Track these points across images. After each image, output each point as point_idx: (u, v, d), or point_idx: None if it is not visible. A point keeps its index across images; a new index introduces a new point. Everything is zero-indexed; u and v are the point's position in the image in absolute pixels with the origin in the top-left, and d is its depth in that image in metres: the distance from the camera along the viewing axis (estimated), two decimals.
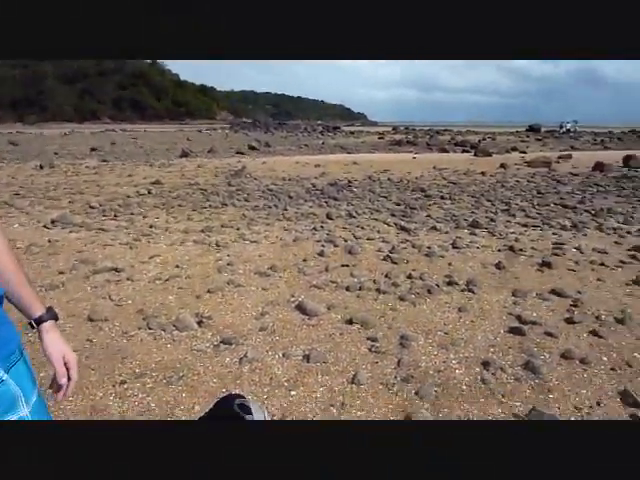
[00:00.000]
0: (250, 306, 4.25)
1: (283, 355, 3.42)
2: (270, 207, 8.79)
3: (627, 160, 15.64)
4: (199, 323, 3.89)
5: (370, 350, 3.49)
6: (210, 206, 8.86)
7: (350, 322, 3.90)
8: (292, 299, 4.39)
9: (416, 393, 2.94)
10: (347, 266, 5.31)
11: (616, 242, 6.29)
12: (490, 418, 2.70)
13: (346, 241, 6.32)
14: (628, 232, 6.84)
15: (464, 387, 3.03)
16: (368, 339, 3.64)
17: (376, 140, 34.69)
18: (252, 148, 24.65)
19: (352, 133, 49.25)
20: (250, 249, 5.98)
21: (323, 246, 6.05)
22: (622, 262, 5.41)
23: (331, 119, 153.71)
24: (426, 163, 16.52)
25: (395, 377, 3.14)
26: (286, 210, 8.50)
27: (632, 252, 5.77)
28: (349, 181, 12.37)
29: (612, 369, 3.23)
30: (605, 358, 3.36)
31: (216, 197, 9.86)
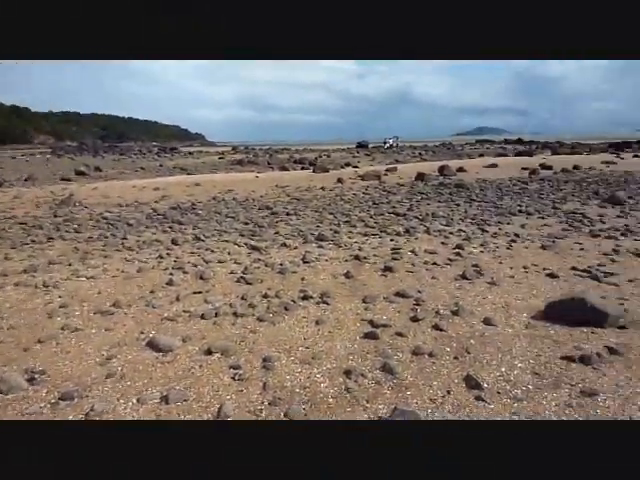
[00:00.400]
0: (92, 351, 3.78)
1: (137, 401, 3.08)
2: (107, 237, 8.05)
3: (442, 170, 17.88)
4: (30, 380, 3.32)
5: (234, 379, 3.34)
6: (33, 242, 7.78)
7: (209, 352, 3.70)
8: (142, 336, 4.02)
9: (285, 415, 2.89)
10: (200, 293, 5.07)
11: (443, 242, 7.08)
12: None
13: (196, 266, 6.05)
14: (451, 233, 7.76)
15: (331, 400, 3.06)
16: (230, 367, 3.49)
17: (217, 160, 34.34)
18: (80, 173, 22.45)
19: (191, 154, 48.07)
20: (86, 286, 5.37)
21: (171, 274, 5.71)
22: (450, 260, 6.09)
23: (167, 140, 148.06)
24: (269, 181, 16.81)
25: (262, 402, 3.05)
26: (126, 239, 7.86)
27: (456, 250, 6.55)
28: (193, 203, 11.98)
29: (455, 358, 3.57)
30: (448, 349, 3.71)
31: (39, 231, 8.71)
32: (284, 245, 7.12)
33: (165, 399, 3.07)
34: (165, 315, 4.46)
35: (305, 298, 4.80)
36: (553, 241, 7.03)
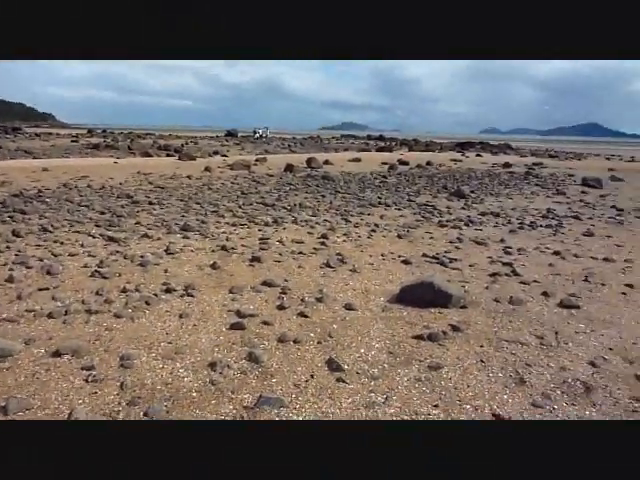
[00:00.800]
0: None
1: None
2: None
3: (309, 162, 18.36)
4: None
5: (86, 381, 3.07)
6: None
7: (58, 354, 3.36)
8: None
9: (145, 414, 2.74)
10: (47, 289, 4.57)
11: (309, 232, 7.29)
12: (223, 418, 2.72)
13: (42, 260, 5.44)
14: (317, 223, 8.02)
15: (194, 394, 2.98)
16: (82, 369, 3.20)
17: (69, 143, 31.09)
18: None
19: (38, 135, 42.80)
20: None
21: (11, 270, 5.05)
22: (315, 249, 6.30)
23: (9, 119, 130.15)
24: (130, 168, 15.72)
25: (119, 403, 2.85)
26: None
27: (321, 239, 6.79)
28: (39, 190, 10.72)
29: (319, 342, 3.70)
30: (312, 334, 3.83)
31: None
32: (146, 236, 6.72)
33: (3, 410, 2.72)
34: (4, 316, 3.94)
35: (168, 291, 4.59)
36: (408, 231, 7.65)
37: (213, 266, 5.37)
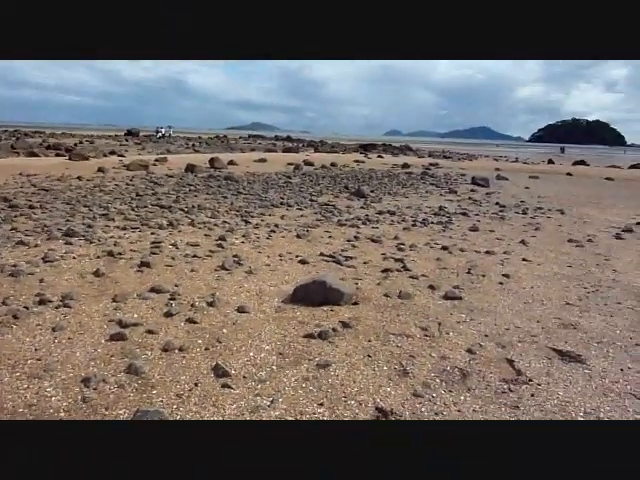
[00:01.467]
0: None
1: None
2: None
3: (212, 162, 17.91)
4: None
5: None
6: None
7: None
8: None
9: None
10: None
11: (206, 234, 7.07)
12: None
13: None
14: (215, 225, 7.81)
15: (62, 414, 2.72)
16: None
17: None
18: None
19: None
20: None
21: None
22: (211, 251, 6.11)
23: None
24: (10, 169, 14.29)
25: None
26: None
27: (219, 241, 6.61)
28: None
29: (206, 349, 3.57)
30: (200, 341, 3.69)
31: None
32: (21, 243, 6.10)
33: None
34: None
35: (42, 303, 4.19)
36: (307, 230, 7.70)
37: (96, 273, 4.99)
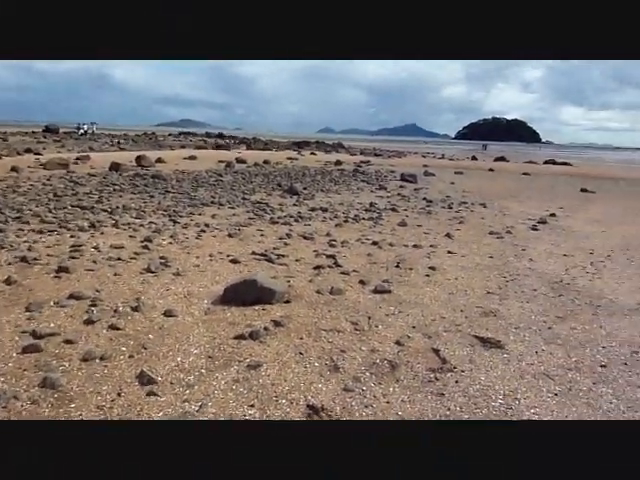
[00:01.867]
0: None
1: None
2: None
3: (139, 160, 17.18)
4: None
5: None
6: None
7: None
8: None
9: None
10: None
11: (131, 236, 6.76)
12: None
13: None
14: (141, 225, 7.49)
15: None
16: None
17: None
18: None
19: None
20: None
21: None
22: (136, 253, 5.85)
23: None
24: None
25: None
26: None
27: (144, 243, 6.34)
28: None
29: (130, 356, 3.41)
30: (124, 348, 3.52)
31: None
32: None
33: None
34: None
35: None
36: (239, 229, 7.58)
37: (7, 281, 4.62)
